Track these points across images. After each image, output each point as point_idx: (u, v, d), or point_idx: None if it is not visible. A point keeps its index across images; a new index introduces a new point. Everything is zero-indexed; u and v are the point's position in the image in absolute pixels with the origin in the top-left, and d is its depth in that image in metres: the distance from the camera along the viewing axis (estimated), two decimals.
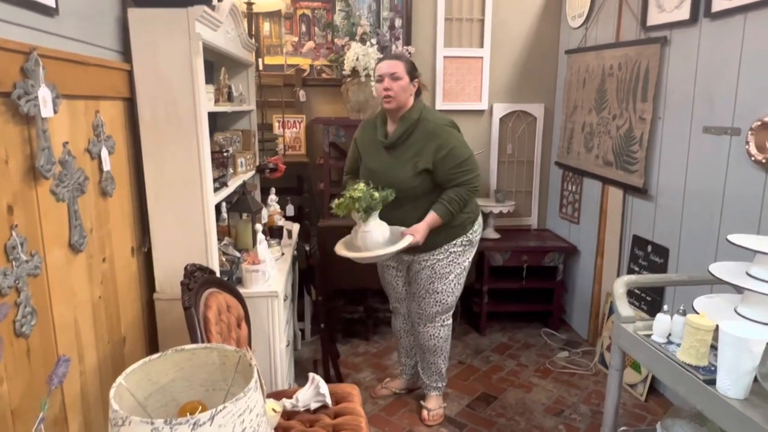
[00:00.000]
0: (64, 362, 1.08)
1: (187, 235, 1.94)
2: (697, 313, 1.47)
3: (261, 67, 3.13)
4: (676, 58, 2.53)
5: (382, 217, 2.22)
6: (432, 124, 2.26)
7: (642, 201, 2.83)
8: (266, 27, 3.47)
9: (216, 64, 2.62)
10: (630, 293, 2.87)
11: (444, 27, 3.58)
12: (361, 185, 2.17)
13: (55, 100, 1.31)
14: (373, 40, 3.20)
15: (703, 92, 2.35)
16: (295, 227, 3.10)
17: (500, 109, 3.73)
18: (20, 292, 1.21)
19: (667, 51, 2.58)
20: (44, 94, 1.26)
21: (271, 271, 2.24)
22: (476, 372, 3.05)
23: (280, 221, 2.78)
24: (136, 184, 1.92)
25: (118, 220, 1.78)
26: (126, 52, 1.83)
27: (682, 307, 1.56)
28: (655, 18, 2.64)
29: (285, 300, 2.35)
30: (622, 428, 1.96)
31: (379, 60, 2.34)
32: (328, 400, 1.87)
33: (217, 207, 2.15)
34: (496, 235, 3.58)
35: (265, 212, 2.72)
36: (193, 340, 1.52)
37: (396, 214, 2.27)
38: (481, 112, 3.72)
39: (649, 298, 2.78)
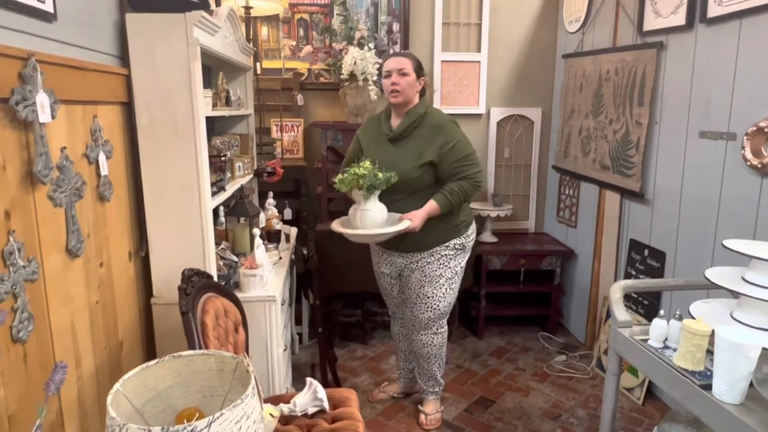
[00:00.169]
0: (61, 369, 1.08)
1: (184, 239, 1.94)
2: (694, 317, 1.47)
3: (259, 71, 3.13)
4: (672, 63, 2.54)
5: None
6: (438, 119, 2.30)
7: (639, 205, 2.83)
8: (264, 31, 3.47)
9: (214, 68, 2.62)
10: (627, 297, 2.88)
11: (441, 31, 3.59)
12: (367, 163, 2.16)
13: (53, 105, 1.32)
14: (371, 45, 3.21)
15: (699, 97, 2.37)
16: (293, 231, 3.10)
17: (497, 113, 3.74)
18: (17, 298, 1.21)
19: (664, 56, 2.59)
20: (42, 99, 1.27)
21: (268, 276, 2.24)
22: (474, 376, 3.05)
23: (278, 225, 2.78)
24: (134, 188, 1.92)
25: (116, 225, 1.78)
26: (124, 57, 1.83)
27: (678, 312, 1.57)
28: (651, 23, 2.66)
29: (282, 304, 2.35)
30: None
31: (387, 57, 2.37)
32: (326, 405, 1.87)
33: (215, 211, 2.15)
34: (493, 239, 3.59)
35: (262, 216, 2.72)
36: (191, 345, 1.52)
37: (394, 206, 2.27)
38: (478, 116, 3.73)
39: (646, 302, 2.78)
